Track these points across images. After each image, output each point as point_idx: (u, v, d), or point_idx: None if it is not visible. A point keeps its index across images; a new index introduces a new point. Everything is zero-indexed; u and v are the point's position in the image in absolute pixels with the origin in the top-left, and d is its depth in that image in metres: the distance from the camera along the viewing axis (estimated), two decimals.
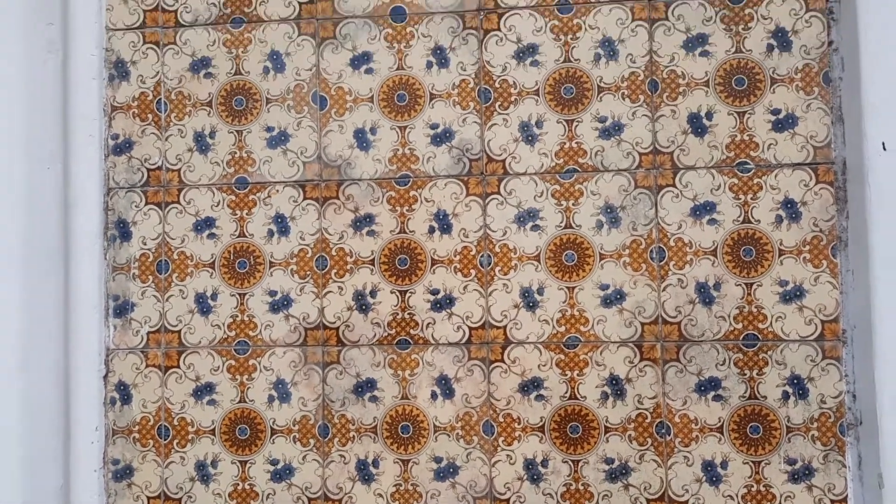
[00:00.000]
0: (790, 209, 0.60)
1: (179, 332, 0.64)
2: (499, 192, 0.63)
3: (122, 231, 0.65)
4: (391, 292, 0.63)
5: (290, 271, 0.64)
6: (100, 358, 0.64)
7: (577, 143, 0.62)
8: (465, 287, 0.62)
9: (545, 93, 0.62)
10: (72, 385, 0.62)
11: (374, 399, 0.62)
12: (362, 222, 0.63)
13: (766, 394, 0.59)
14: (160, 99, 0.65)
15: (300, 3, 0.65)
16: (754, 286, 0.60)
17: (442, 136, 0.63)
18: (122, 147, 0.65)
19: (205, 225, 0.64)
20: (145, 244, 0.65)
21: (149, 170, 0.65)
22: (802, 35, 0.60)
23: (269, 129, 0.64)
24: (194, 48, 0.65)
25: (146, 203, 0.65)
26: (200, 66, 0.65)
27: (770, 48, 0.61)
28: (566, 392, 0.61)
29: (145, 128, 0.65)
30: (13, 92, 0.57)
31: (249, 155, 0.64)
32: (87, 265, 0.63)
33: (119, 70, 0.65)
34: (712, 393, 0.59)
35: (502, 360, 0.61)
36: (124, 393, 0.64)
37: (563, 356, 0.61)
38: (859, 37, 0.57)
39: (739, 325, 0.60)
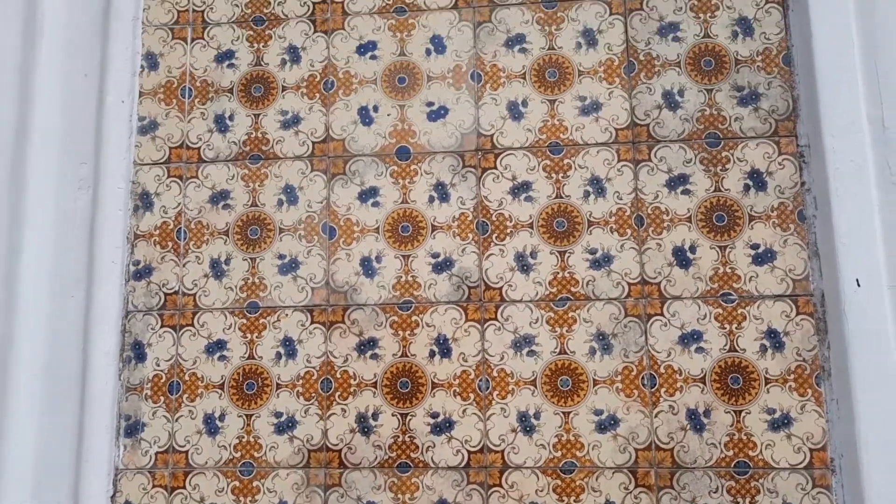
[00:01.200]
0: (774, 339, 0.63)
1: (187, 452, 0.66)
2: (496, 318, 0.66)
3: (137, 352, 0.68)
4: (392, 415, 0.65)
5: (295, 393, 0.66)
6: (108, 478, 0.65)
7: (569, 272, 0.66)
8: (463, 411, 0.65)
9: (539, 226, 0.67)
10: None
11: None
12: (366, 346, 0.67)
13: None
14: (180, 228, 0.70)
15: (313, 143, 0.70)
16: (743, 414, 0.62)
17: (443, 265, 0.67)
18: (141, 273, 0.69)
19: (216, 347, 0.68)
20: (158, 365, 0.68)
21: (166, 294, 0.69)
22: (777, 176, 0.65)
23: (280, 257, 0.69)
24: (214, 182, 0.71)
25: (161, 326, 0.68)
26: (219, 198, 0.70)
27: (747, 188, 0.65)
28: None
29: (165, 255, 0.69)
30: (45, 227, 0.61)
31: (261, 281, 0.68)
32: (103, 385, 0.66)
33: (144, 201, 0.71)
34: None
35: (500, 485, 0.63)
36: None
37: (559, 481, 0.62)
38: (829, 180, 0.62)
39: (730, 453, 0.61)
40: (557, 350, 0.65)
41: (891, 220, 0.61)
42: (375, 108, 0.70)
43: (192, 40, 0.73)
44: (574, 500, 0.62)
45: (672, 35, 0.68)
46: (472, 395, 0.65)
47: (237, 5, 0.73)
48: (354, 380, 0.66)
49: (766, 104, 0.66)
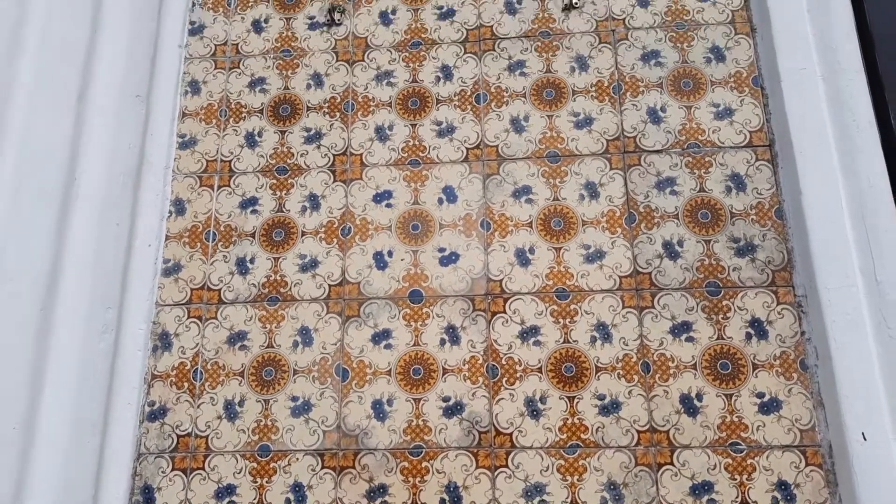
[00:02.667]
0: (785, 491, 0.63)
1: None
2: (507, 465, 0.66)
3: (146, 497, 0.68)
4: None
5: None
6: None
7: (578, 418, 0.67)
8: None
9: (548, 370, 0.69)
10: None
11: None
12: (376, 493, 0.66)
13: None
14: (197, 368, 0.72)
15: (330, 285, 0.73)
16: None
17: (453, 409, 0.68)
18: (156, 414, 0.70)
19: (226, 492, 0.67)
20: None
21: (178, 436, 0.70)
22: (777, 325, 0.68)
23: (293, 399, 0.70)
24: (233, 323, 0.73)
25: (172, 469, 0.69)
26: (237, 339, 0.72)
27: (749, 336, 0.68)
28: None
29: (180, 395, 0.71)
30: (68, 372, 0.63)
31: (274, 423, 0.69)
32: None
33: (163, 342, 0.73)
34: None
35: None
36: None
37: None
38: (827, 331, 0.64)
39: None
40: (569, 500, 0.65)
41: (891, 373, 0.62)
42: (390, 254, 0.74)
43: (219, 187, 0.78)
44: None
45: (669, 189, 0.73)
46: None
47: (262, 156, 0.79)
48: None
49: (763, 255, 0.70)
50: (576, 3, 0.80)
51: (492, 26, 0.80)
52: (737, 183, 0.72)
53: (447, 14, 0.81)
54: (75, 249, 0.67)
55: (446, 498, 0.66)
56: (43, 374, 0.62)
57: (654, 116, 0.75)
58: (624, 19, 0.79)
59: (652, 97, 0.76)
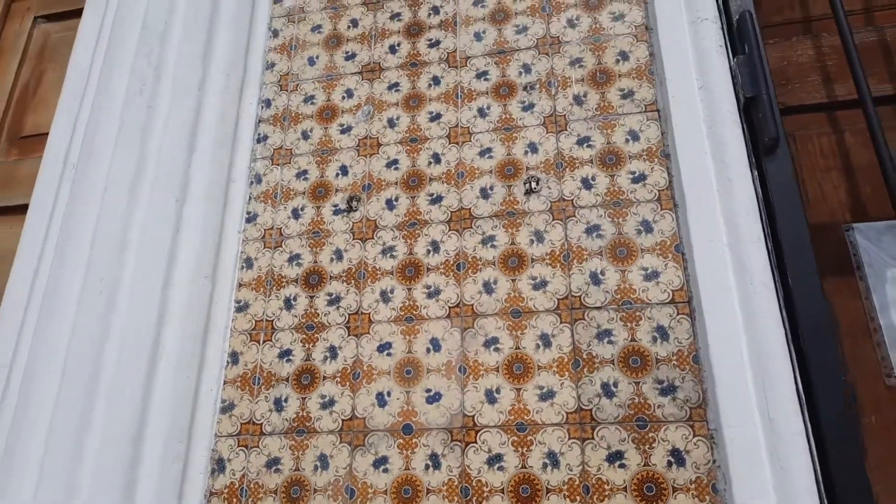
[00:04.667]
0: None
1: None
2: None
3: None
4: None
5: None
6: None
7: None
8: None
9: (508, 491, 0.86)
10: None
11: None
12: None
13: None
14: (243, 487, 0.94)
15: (343, 420, 0.95)
16: None
17: None
18: None
19: None
20: None
21: None
22: (693, 454, 0.83)
23: None
24: (270, 450, 0.95)
25: None
26: (272, 463, 0.94)
27: (669, 463, 0.83)
28: None
29: None
30: (151, 492, 0.86)
31: None
32: None
33: (219, 466, 0.96)
34: None
35: None
36: None
37: None
38: (729, 459, 0.79)
39: None
40: None
41: (783, 497, 0.76)
42: (388, 394, 0.95)
43: (263, 342, 1.02)
44: None
45: (607, 339, 0.91)
46: None
47: (296, 316, 1.03)
48: None
49: (682, 395, 0.86)
50: (535, 188, 1.02)
51: (470, 209, 1.03)
52: (661, 334, 0.89)
53: (436, 200, 1.05)
54: (158, 398, 0.92)
55: None
56: (135, 492, 0.86)
57: (595, 279, 0.94)
58: (572, 200, 1.00)
59: (594, 263, 0.95)
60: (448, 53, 1.16)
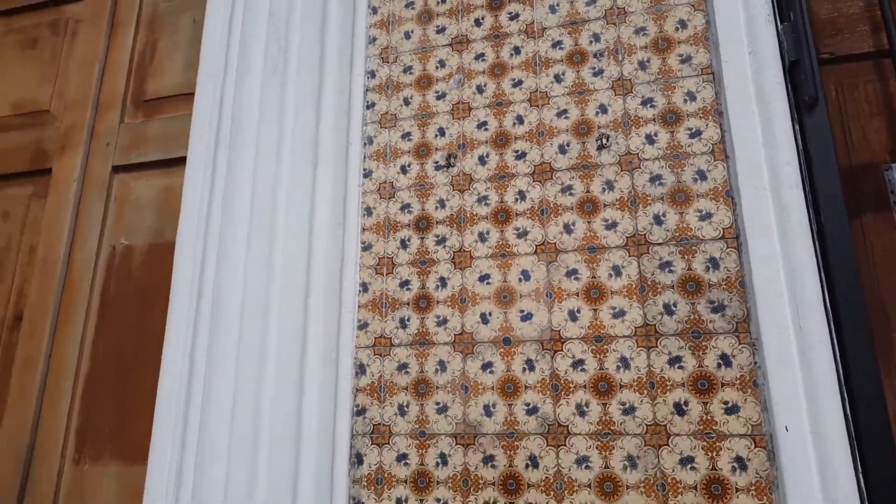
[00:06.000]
0: (740, 463, 1.01)
1: None
2: (565, 444, 1.09)
3: (358, 460, 1.18)
4: None
5: None
6: None
7: (609, 417, 1.08)
8: None
9: (589, 387, 1.11)
10: None
11: None
12: (488, 459, 1.12)
13: None
14: (381, 385, 1.21)
15: (455, 335, 1.20)
16: None
17: (531, 410, 1.12)
18: (360, 412, 1.21)
19: (402, 458, 1.16)
20: None
21: (374, 425, 1.19)
22: (738, 358, 1.05)
23: (437, 404, 1.17)
24: (399, 358, 1.22)
25: (371, 444, 1.18)
26: (402, 367, 1.21)
27: (719, 365, 1.06)
28: None
29: (373, 402, 1.21)
30: (317, 390, 1.15)
31: (426, 418, 1.17)
32: None
33: (361, 370, 1.23)
34: None
35: None
36: None
37: None
38: (767, 361, 1.01)
39: None
40: (603, 465, 1.06)
41: (810, 390, 0.98)
42: (490, 314, 1.19)
43: (386, 274, 1.27)
44: None
45: (668, 269, 1.12)
46: None
47: (410, 254, 1.27)
48: None
49: (730, 312, 1.08)
50: (605, 144, 1.21)
51: (550, 162, 1.24)
52: (713, 264, 1.10)
53: (521, 156, 1.26)
54: (313, 320, 1.19)
55: (529, 462, 1.10)
56: (303, 390, 1.15)
57: (658, 220, 1.15)
58: (637, 153, 1.20)
59: (656, 207, 1.16)
60: (526, 25, 1.34)
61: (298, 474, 1.10)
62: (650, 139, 1.19)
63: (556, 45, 1.30)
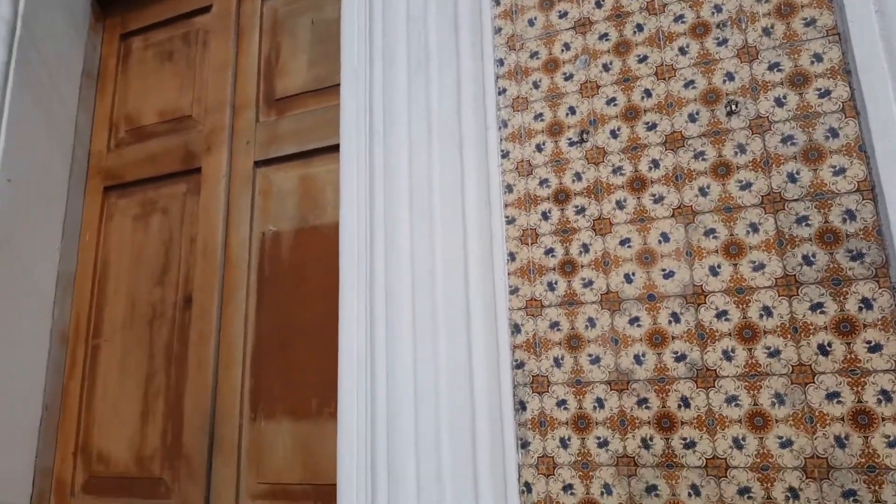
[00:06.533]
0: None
1: None
2: (713, 386, 1.21)
3: (521, 407, 1.34)
4: None
5: None
6: None
7: (755, 360, 1.19)
8: None
9: (734, 335, 1.22)
10: None
11: None
12: (642, 402, 1.26)
13: None
14: (536, 342, 1.36)
15: (601, 294, 1.33)
16: None
17: (680, 358, 1.25)
18: (519, 365, 1.36)
19: (562, 403, 1.32)
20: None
21: (532, 376, 1.35)
22: (878, 301, 1.14)
23: (589, 355, 1.32)
24: (550, 318, 1.36)
25: (532, 393, 1.34)
26: (554, 325, 1.36)
27: (860, 308, 1.14)
28: None
29: (529, 356, 1.36)
30: (477, 350, 1.31)
31: (581, 369, 1.31)
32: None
33: (516, 329, 1.39)
34: None
35: None
36: None
37: None
38: None
39: None
40: (752, 403, 1.18)
41: None
42: (633, 274, 1.32)
43: (531, 244, 1.42)
44: None
45: (804, 223, 1.21)
46: None
47: (552, 224, 1.41)
48: None
49: (869, 259, 1.16)
50: (734, 110, 1.30)
51: (681, 131, 1.34)
52: (849, 215, 1.18)
53: (651, 127, 1.37)
54: (473, 288, 1.35)
55: (681, 403, 1.23)
56: (472, 349, 1.31)
57: (792, 177, 1.23)
58: (767, 116, 1.28)
59: (790, 165, 1.24)
60: (647, 2, 1.43)
61: (475, 419, 1.28)
62: (779, 102, 1.27)
63: (678, 19, 1.39)
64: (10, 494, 2.07)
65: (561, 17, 1.51)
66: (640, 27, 1.42)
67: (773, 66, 1.29)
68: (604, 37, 1.45)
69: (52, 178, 2.33)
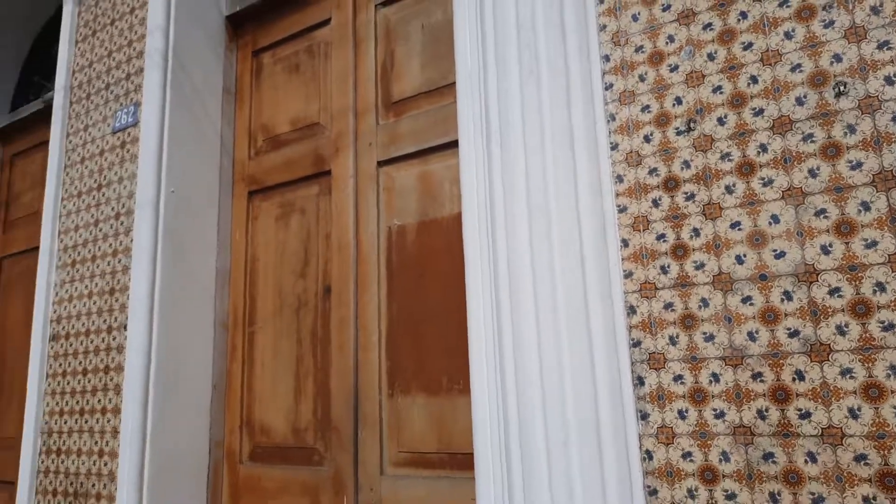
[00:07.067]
0: None
1: None
2: (828, 360, 1.28)
3: (640, 381, 1.46)
4: None
5: None
6: None
7: (867, 341, 1.24)
8: None
9: (847, 310, 1.27)
10: None
11: None
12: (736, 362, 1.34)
13: None
14: (651, 322, 1.47)
15: (714, 276, 1.42)
16: None
17: (793, 334, 1.32)
18: (636, 343, 1.48)
19: (679, 378, 1.42)
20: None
21: (649, 353, 1.46)
22: None
23: (704, 334, 1.41)
24: (664, 299, 1.47)
25: (649, 368, 1.46)
26: (668, 307, 1.46)
27: None
28: None
29: (646, 335, 1.47)
30: (600, 334, 1.44)
31: (695, 345, 1.41)
32: None
33: (631, 310, 1.50)
34: None
35: None
36: None
37: None
38: None
39: None
40: (866, 375, 1.24)
41: None
42: (745, 255, 1.39)
43: (643, 230, 1.52)
44: None
45: None
46: None
47: (662, 210, 1.50)
48: None
49: None
50: (843, 91, 1.33)
51: (788, 115, 1.39)
52: None
53: (758, 113, 1.42)
54: (590, 274, 1.48)
55: (795, 376, 1.30)
56: (591, 331, 1.45)
57: None
58: (877, 95, 1.30)
59: None
60: None
61: (597, 394, 1.41)
62: (889, 80, 1.29)
63: (783, 4, 1.43)
64: (193, 464, 2.44)
65: (664, 10, 1.58)
66: (744, 14, 1.47)
67: (883, 45, 1.31)
68: (707, 26, 1.51)
69: (205, 186, 2.67)
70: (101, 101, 2.88)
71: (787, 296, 1.33)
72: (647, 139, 1.55)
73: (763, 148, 1.40)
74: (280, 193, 2.66)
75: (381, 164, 2.39)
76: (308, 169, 2.59)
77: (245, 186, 2.77)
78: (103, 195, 2.77)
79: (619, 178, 1.57)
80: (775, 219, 1.37)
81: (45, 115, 3.60)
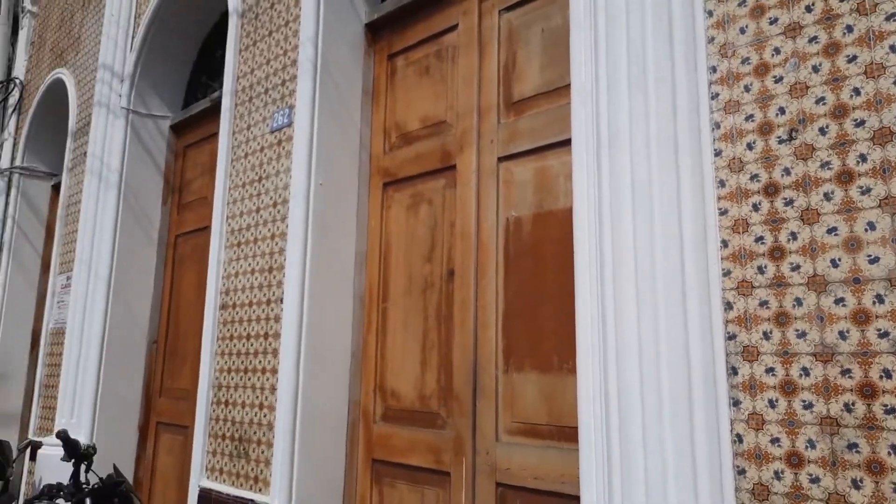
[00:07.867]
0: None
1: None
2: None
3: (733, 371, 1.60)
4: None
5: None
6: None
7: None
8: None
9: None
10: None
11: None
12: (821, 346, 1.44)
13: None
14: (746, 317, 1.60)
15: (808, 277, 1.52)
16: None
17: (884, 335, 1.40)
18: (731, 337, 1.62)
19: (770, 371, 1.55)
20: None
21: (743, 346, 1.60)
22: None
23: (796, 331, 1.52)
24: (759, 296, 1.59)
25: (743, 360, 1.59)
26: (763, 304, 1.58)
27: None
28: None
29: (741, 329, 1.61)
30: (691, 325, 1.60)
31: (787, 340, 1.53)
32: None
33: (728, 306, 1.64)
34: None
35: None
36: None
37: None
38: None
39: None
40: None
41: None
42: (839, 259, 1.48)
43: (742, 233, 1.64)
44: None
45: None
46: None
47: (761, 215, 1.62)
48: None
49: None
50: None
51: (889, 126, 1.45)
52: None
53: (859, 124, 1.49)
54: (689, 270, 1.63)
55: (883, 374, 1.39)
56: (688, 325, 1.60)
57: None
58: None
59: None
60: (857, 4, 1.53)
61: (691, 378, 1.58)
62: None
63: (890, 17, 1.48)
64: (335, 420, 2.84)
65: (771, 23, 1.67)
66: (849, 28, 1.54)
67: None
68: (813, 39, 1.59)
69: (347, 179, 3.03)
70: (261, 103, 3.32)
71: (879, 299, 1.42)
72: (749, 147, 1.66)
73: (863, 158, 1.48)
74: (411, 185, 2.97)
75: (501, 159, 2.62)
76: (436, 163, 2.87)
77: (380, 178, 3.10)
78: (263, 186, 3.22)
79: (722, 183, 1.69)
80: (871, 226, 1.45)
81: (211, 111, 4.16)
